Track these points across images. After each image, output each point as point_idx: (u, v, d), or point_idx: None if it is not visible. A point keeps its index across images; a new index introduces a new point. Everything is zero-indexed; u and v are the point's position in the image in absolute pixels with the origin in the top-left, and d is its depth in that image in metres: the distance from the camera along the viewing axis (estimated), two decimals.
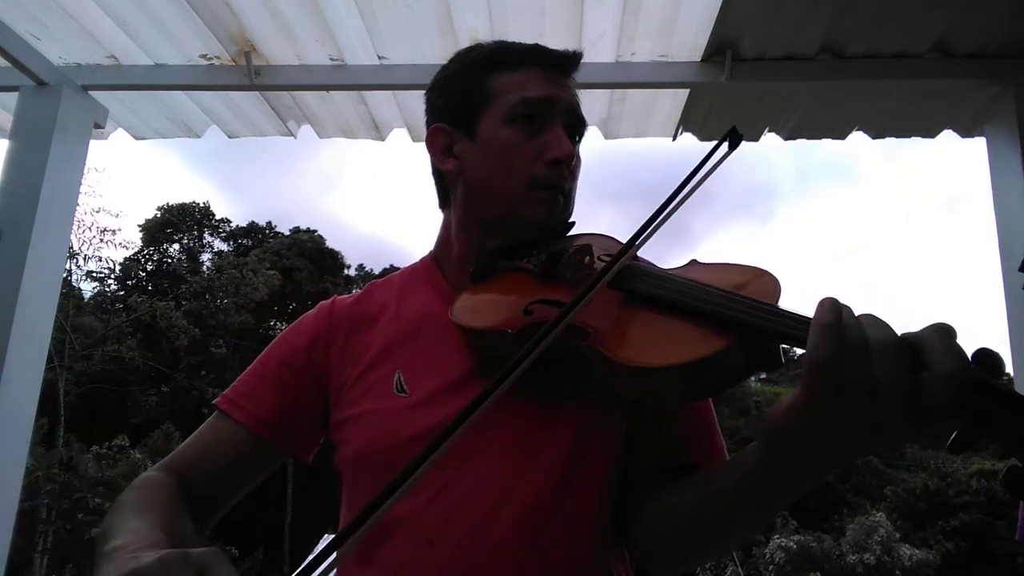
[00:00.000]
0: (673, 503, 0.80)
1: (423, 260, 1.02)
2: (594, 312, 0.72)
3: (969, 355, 0.52)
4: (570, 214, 0.93)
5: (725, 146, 0.80)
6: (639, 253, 0.80)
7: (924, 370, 0.52)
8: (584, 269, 0.81)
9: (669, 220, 0.76)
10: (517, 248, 0.90)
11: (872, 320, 0.55)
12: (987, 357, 0.53)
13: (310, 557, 0.54)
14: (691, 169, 0.78)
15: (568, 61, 0.93)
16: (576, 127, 0.94)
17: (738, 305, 0.64)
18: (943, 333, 0.53)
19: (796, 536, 18.86)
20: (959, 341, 0.53)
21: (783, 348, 0.65)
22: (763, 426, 0.63)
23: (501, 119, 0.89)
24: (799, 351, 0.60)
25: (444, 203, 0.99)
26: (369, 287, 1.02)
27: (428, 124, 0.97)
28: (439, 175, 0.98)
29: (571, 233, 0.94)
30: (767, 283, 0.70)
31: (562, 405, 0.82)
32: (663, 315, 0.70)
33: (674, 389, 0.67)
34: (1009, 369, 2.05)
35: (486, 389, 0.60)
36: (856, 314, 0.56)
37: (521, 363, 0.62)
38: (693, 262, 0.81)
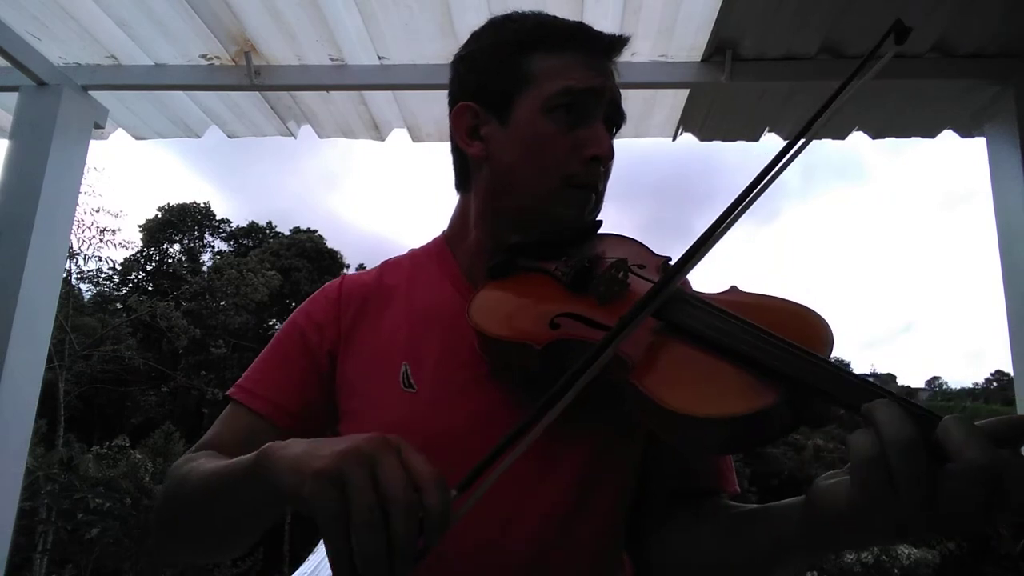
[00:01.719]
0: (697, 539, 0.77)
1: (436, 240, 0.97)
2: (631, 340, 0.65)
3: None
4: (599, 212, 0.87)
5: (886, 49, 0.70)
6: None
7: (1004, 496, 0.45)
8: (617, 285, 0.76)
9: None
10: (541, 246, 0.84)
11: (968, 437, 0.46)
12: None
13: None
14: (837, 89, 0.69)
15: (613, 47, 0.85)
16: (615, 119, 0.87)
17: (793, 358, 0.58)
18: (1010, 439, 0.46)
19: None
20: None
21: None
22: (811, 515, 0.57)
23: (539, 107, 0.81)
24: None
25: (463, 186, 0.92)
26: (382, 266, 0.97)
27: (453, 98, 0.89)
28: (461, 156, 0.90)
29: (598, 232, 0.88)
30: (819, 329, 0.63)
31: (579, 424, 0.76)
32: (706, 355, 0.64)
33: (713, 440, 0.61)
34: (1009, 370, 2.05)
35: (523, 425, 0.57)
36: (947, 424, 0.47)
37: (562, 398, 0.58)
38: (734, 289, 0.75)
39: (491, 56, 0.86)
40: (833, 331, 0.63)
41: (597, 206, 0.86)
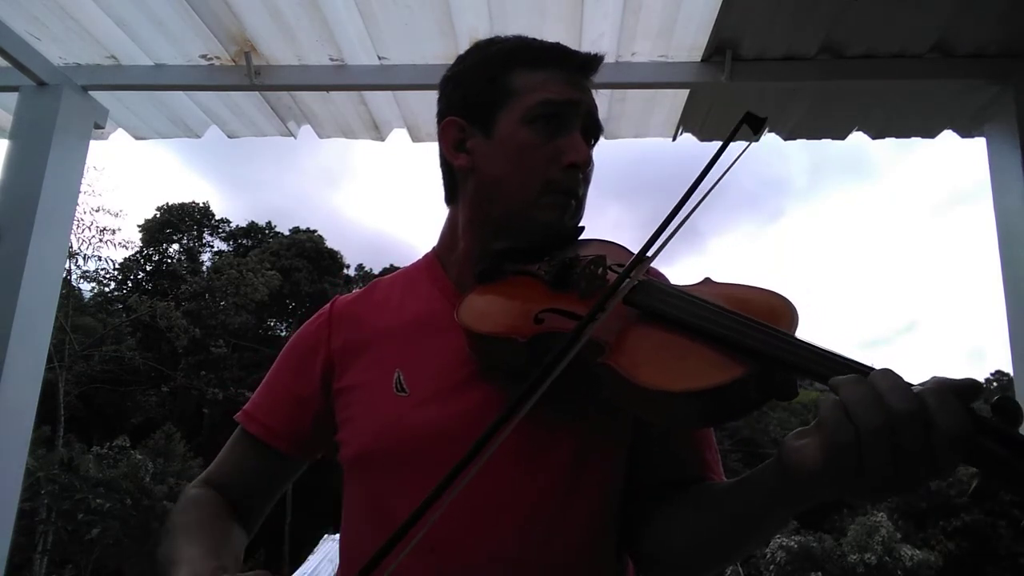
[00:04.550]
0: (686, 519, 0.80)
1: (426, 256, 1.01)
2: (606, 327, 0.69)
3: (992, 400, 0.52)
4: (580, 219, 0.92)
5: (741, 140, 0.75)
6: (653, 265, 0.78)
7: (931, 429, 0.51)
8: (597, 280, 0.79)
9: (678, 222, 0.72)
10: (526, 251, 0.88)
11: (892, 385, 0.54)
12: (1006, 406, 0.51)
13: None
14: (704, 165, 0.73)
15: (590, 64, 0.91)
16: (593, 131, 0.92)
17: (758, 334, 0.63)
18: (941, 391, 0.52)
19: (797, 536, 18.86)
20: (955, 394, 0.52)
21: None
22: (780, 469, 0.63)
23: (520, 118, 0.86)
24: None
25: (451, 198, 0.97)
26: (371, 285, 1.02)
27: (441, 115, 0.95)
28: (449, 169, 0.95)
29: (580, 238, 0.92)
30: (785, 310, 0.68)
31: (565, 414, 0.81)
32: (679, 336, 0.68)
33: (688, 414, 0.66)
34: (1009, 370, 2.05)
35: (510, 406, 0.60)
36: (875, 378, 0.54)
37: (544, 380, 0.61)
38: (707, 280, 0.79)
39: (475, 73, 0.92)
40: (799, 312, 0.67)
41: (578, 212, 0.91)
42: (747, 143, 0.75)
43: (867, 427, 0.52)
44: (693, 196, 0.72)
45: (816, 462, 0.56)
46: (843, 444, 0.53)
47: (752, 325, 0.64)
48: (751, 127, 0.75)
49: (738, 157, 0.73)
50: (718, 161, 0.73)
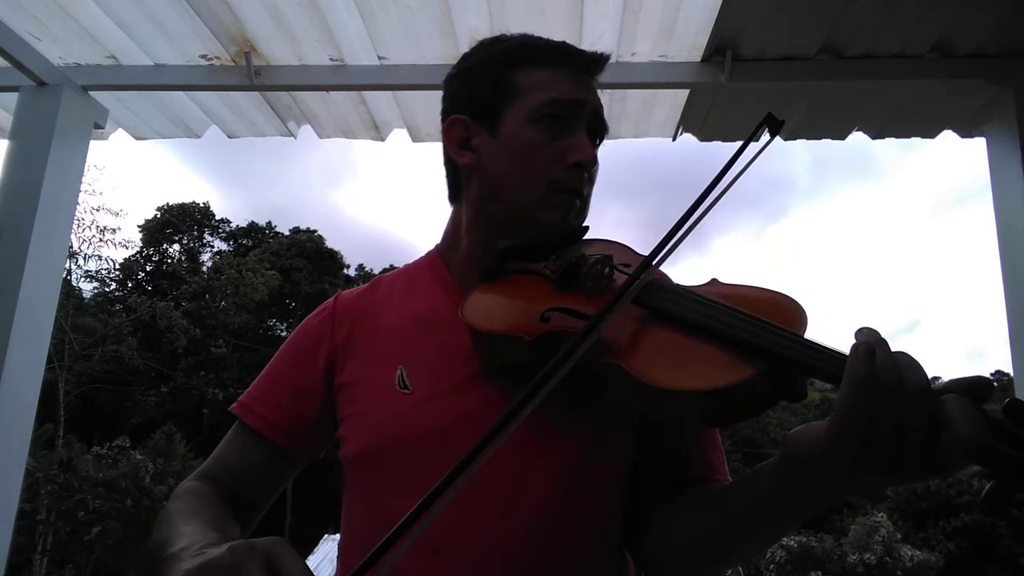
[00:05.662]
0: (687, 519, 0.80)
1: (429, 254, 1.01)
2: (615, 327, 0.69)
3: (1005, 403, 0.51)
4: (584, 218, 0.92)
5: (764, 136, 0.75)
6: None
7: (942, 428, 0.51)
8: (604, 280, 0.79)
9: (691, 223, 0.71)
10: (530, 250, 0.88)
11: (907, 365, 0.54)
12: (1019, 408, 0.51)
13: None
14: (723, 166, 0.72)
15: (596, 63, 0.91)
16: (598, 130, 0.92)
17: (768, 334, 0.62)
18: (964, 392, 0.52)
19: (797, 535, 18.84)
20: (983, 394, 0.51)
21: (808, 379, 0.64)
22: (784, 457, 0.63)
23: (525, 117, 0.86)
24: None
25: (455, 196, 0.97)
26: (375, 281, 1.01)
27: (445, 113, 0.95)
28: (453, 167, 0.95)
29: (585, 238, 0.92)
30: (793, 312, 0.68)
31: (571, 412, 0.80)
32: (687, 336, 0.68)
33: (696, 414, 0.66)
34: (1009, 370, 2.05)
35: (514, 405, 0.59)
36: (890, 355, 0.55)
37: (551, 378, 0.61)
38: (714, 280, 0.79)
39: (481, 72, 0.91)
40: (807, 314, 0.67)
41: (582, 211, 0.91)
42: (763, 144, 0.74)
43: (888, 379, 0.53)
44: (709, 196, 0.71)
45: (822, 433, 0.57)
46: (862, 385, 0.53)
47: (761, 325, 0.63)
48: (770, 129, 0.75)
49: (755, 156, 0.73)
50: (736, 162, 0.72)
